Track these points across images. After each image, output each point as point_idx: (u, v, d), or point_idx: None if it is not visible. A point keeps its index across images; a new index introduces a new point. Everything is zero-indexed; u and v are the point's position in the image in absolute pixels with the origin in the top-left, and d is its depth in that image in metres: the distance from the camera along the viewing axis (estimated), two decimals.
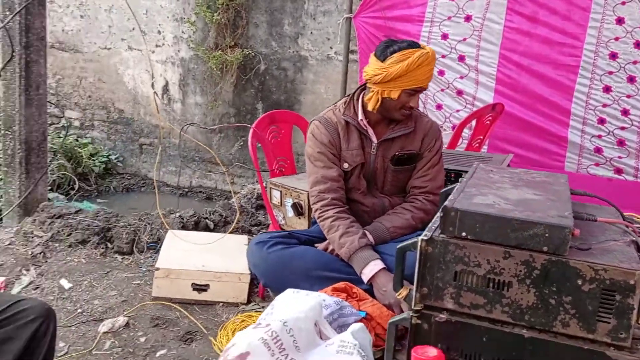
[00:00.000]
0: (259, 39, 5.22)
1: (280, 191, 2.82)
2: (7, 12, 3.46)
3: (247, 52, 5.17)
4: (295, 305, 1.53)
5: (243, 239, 3.42)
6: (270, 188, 2.90)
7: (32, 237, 3.41)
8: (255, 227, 3.88)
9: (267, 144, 2.99)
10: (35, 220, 3.55)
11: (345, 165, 2.12)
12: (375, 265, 1.91)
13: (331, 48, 4.97)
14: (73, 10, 5.95)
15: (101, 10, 5.84)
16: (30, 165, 3.72)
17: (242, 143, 5.49)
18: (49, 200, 3.95)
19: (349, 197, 2.16)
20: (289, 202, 2.74)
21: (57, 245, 3.37)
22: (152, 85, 5.04)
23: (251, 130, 2.87)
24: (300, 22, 5.03)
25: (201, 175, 5.86)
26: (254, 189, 4.58)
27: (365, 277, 1.91)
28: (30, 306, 1.69)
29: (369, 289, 1.89)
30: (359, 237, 1.97)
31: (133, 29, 5.73)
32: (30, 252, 3.26)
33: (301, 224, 2.68)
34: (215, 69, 5.24)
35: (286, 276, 1.94)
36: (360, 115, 2.11)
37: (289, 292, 1.63)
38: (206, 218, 3.84)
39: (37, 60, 3.66)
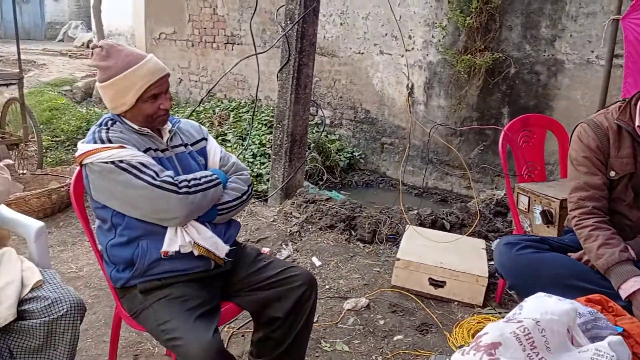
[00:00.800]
0: (511, 42, 5.09)
1: (529, 197, 2.74)
2: (288, 22, 4.01)
3: (498, 56, 5.08)
4: (547, 307, 1.50)
5: (480, 242, 3.40)
6: (518, 193, 2.84)
7: (291, 217, 3.90)
8: (492, 234, 3.82)
9: (517, 148, 2.92)
10: (293, 203, 4.06)
11: (612, 173, 1.98)
12: (637, 281, 1.75)
13: (592, 52, 4.59)
14: (335, 18, 6.57)
15: (359, 18, 6.33)
16: (293, 155, 4.25)
17: (482, 147, 5.42)
18: (304, 187, 4.46)
19: (612, 208, 2.01)
20: (537, 208, 2.65)
21: (310, 226, 3.79)
22: (407, 86, 5.29)
23: (502, 133, 2.83)
24: (559, 24, 4.75)
25: (437, 177, 5.95)
26: (493, 194, 4.51)
27: (624, 292, 1.76)
28: (299, 273, 1.95)
29: (627, 306, 1.75)
30: (619, 249, 1.83)
31: (385, 34, 6.09)
32: (289, 230, 3.74)
33: (549, 233, 2.57)
34: (462, 73, 5.26)
35: (534, 280, 1.89)
36: (638, 122, 1.95)
37: (540, 295, 1.60)
38: (443, 218, 3.91)
39: (307, 64, 4.15)
